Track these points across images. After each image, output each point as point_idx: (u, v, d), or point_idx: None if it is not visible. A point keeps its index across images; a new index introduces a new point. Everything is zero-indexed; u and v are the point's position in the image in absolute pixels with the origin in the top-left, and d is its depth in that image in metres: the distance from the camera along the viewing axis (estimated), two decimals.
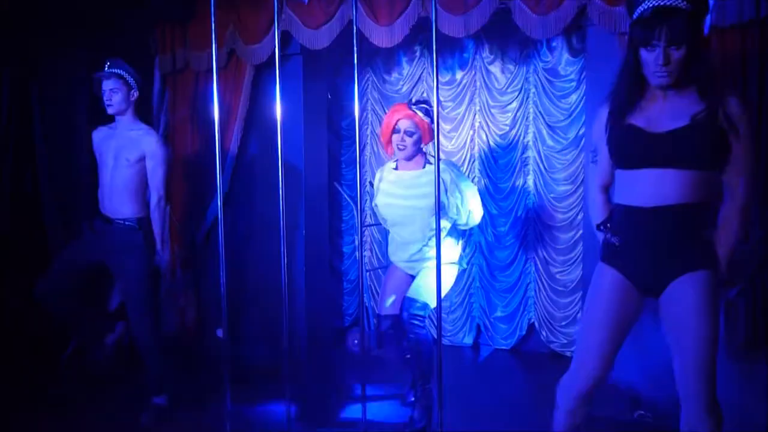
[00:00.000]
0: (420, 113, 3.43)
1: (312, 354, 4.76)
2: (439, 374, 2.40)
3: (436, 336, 2.51)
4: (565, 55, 4.62)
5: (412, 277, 3.57)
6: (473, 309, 5.14)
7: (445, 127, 5.04)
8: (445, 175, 3.39)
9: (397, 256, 3.60)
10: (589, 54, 3.83)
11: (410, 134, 3.40)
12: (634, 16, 2.23)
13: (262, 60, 4.51)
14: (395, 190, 3.49)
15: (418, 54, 5.10)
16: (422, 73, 5.10)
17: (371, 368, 4.47)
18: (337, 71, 5.26)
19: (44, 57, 4.56)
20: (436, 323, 2.39)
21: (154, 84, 5.07)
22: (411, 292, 3.44)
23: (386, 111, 5.16)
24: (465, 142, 5.02)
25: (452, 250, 3.54)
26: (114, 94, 3.61)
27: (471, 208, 3.49)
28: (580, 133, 4.48)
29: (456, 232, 3.60)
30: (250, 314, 4.82)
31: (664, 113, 2.24)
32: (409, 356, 3.46)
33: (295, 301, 4.65)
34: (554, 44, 4.65)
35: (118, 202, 3.64)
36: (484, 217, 4.93)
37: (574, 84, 4.59)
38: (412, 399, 3.60)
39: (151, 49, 5.03)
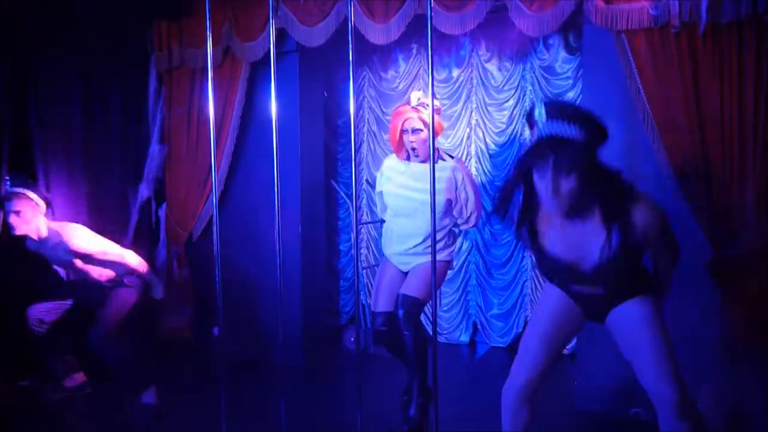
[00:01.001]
0: (423, 110, 3.41)
1: (308, 352, 4.76)
2: (434, 372, 2.39)
3: (431, 333, 2.51)
4: (562, 53, 4.62)
5: (405, 274, 3.56)
6: (470, 306, 5.15)
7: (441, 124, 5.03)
8: (458, 175, 3.41)
9: (392, 248, 3.56)
10: (586, 52, 3.83)
11: (418, 131, 3.38)
12: (531, 139, 2.21)
13: (257, 57, 4.49)
14: (406, 181, 3.46)
15: (414, 51, 5.09)
16: (419, 70, 5.09)
17: (368, 366, 4.46)
18: (333, 69, 5.24)
19: (40, 53, 4.54)
20: (431, 320, 2.38)
21: (150, 82, 5.06)
22: (404, 289, 3.43)
23: (382, 109, 5.18)
24: (462, 140, 5.02)
25: (447, 249, 3.53)
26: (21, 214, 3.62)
27: (474, 208, 3.49)
28: None
29: (453, 231, 3.59)
30: (246, 312, 4.81)
31: (566, 242, 2.28)
32: (406, 352, 3.45)
33: (291, 299, 4.64)
34: (551, 42, 4.64)
35: None
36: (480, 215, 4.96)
37: (570, 82, 4.59)
38: (406, 398, 3.60)
39: (147, 47, 5.02)
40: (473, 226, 3.58)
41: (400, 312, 3.38)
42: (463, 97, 5.00)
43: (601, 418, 3.69)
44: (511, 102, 4.85)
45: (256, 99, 4.71)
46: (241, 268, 4.78)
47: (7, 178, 3.62)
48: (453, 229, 3.58)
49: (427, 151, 3.42)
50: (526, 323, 4.93)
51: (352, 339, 5.02)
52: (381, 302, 3.57)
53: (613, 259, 2.20)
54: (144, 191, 5.00)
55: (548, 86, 4.68)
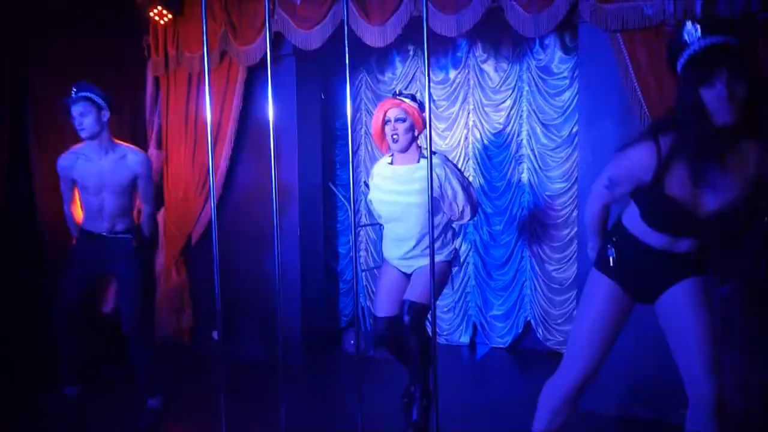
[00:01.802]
0: (407, 100, 3.40)
1: (308, 355, 4.76)
2: (434, 373, 2.39)
3: (431, 335, 2.51)
4: (558, 53, 4.63)
5: (407, 276, 3.56)
6: (469, 307, 5.15)
7: (439, 125, 5.05)
8: (440, 171, 3.36)
9: (392, 253, 3.57)
10: (582, 51, 3.84)
11: (401, 120, 3.35)
12: (685, 57, 2.08)
13: (254, 61, 4.50)
14: (390, 186, 3.45)
15: (411, 53, 5.10)
16: (416, 72, 5.10)
17: (368, 368, 4.47)
18: (330, 72, 5.25)
19: (36, 58, 4.54)
20: (431, 321, 2.39)
21: (147, 86, 5.07)
22: (409, 295, 3.42)
23: None
24: (459, 141, 5.02)
25: (446, 247, 3.52)
26: (84, 117, 3.55)
27: (465, 203, 3.45)
28: (574, 130, 4.49)
29: (450, 228, 3.59)
30: (245, 316, 4.81)
31: (719, 181, 2.11)
32: (411, 357, 3.44)
33: (290, 303, 4.65)
34: (547, 42, 4.65)
35: (110, 222, 3.70)
36: (479, 215, 4.96)
37: (567, 82, 4.60)
38: (406, 400, 3.60)
39: (144, 51, 5.02)
40: (469, 220, 3.55)
41: (406, 318, 3.36)
42: (460, 98, 5.01)
43: (605, 418, 3.69)
44: (508, 102, 4.85)
45: (254, 103, 4.72)
46: (240, 272, 4.78)
47: (74, 88, 3.58)
48: (450, 226, 3.57)
49: (407, 143, 3.39)
50: (525, 324, 4.94)
51: (352, 342, 5.01)
52: (383, 307, 3.55)
53: (737, 200, 2.12)
54: None
55: (545, 86, 4.69)
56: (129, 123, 5.06)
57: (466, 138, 5.01)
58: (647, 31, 3.39)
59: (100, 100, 3.60)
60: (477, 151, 4.98)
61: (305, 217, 4.77)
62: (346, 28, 2.31)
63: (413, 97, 3.43)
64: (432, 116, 4.98)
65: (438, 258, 3.43)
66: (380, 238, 3.74)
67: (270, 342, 4.62)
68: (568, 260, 4.67)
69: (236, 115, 4.69)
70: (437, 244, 3.46)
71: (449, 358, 4.83)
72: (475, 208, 3.50)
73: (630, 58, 3.45)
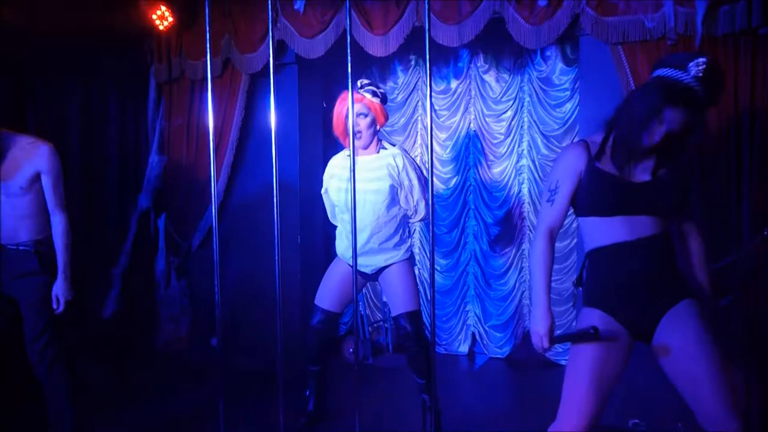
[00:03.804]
0: (368, 95, 3.38)
1: (308, 362, 4.75)
2: (434, 383, 2.40)
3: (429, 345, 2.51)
4: (559, 65, 4.65)
5: (361, 275, 3.50)
6: (468, 317, 5.15)
7: (440, 135, 5.06)
8: (399, 160, 3.35)
9: (346, 247, 3.49)
10: (583, 63, 3.85)
11: (364, 115, 3.35)
12: (678, 77, 2.12)
13: (257, 69, 4.52)
14: (346, 174, 3.40)
15: (413, 63, 5.12)
16: (417, 81, 5.12)
17: (366, 376, 4.47)
18: (332, 80, 5.27)
19: (39, 64, 4.56)
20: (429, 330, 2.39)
21: (150, 93, 5.09)
22: (397, 309, 3.42)
23: None
24: (460, 151, 5.04)
25: (403, 244, 3.47)
26: None
27: (419, 198, 3.42)
28: (575, 141, 4.49)
29: (407, 226, 3.54)
30: (244, 323, 4.81)
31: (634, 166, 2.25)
32: (424, 365, 3.43)
33: (290, 310, 4.65)
34: (548, 53, 4.67)
35: (11, 228, 3.04)
36: (479, 225, 4.97)
37: (568, 93, 4.62)
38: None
39: (147, 58, 5.05)
40: (422, 219, 3.50)
41: (409, 328, 3.38)
42: (462, 108, 5.02)
43: (599, 429, 3.68)
44: (509, 113, 4.87)
45: (256, 110, 4.74)
46: (240, 279, 4.78)
47: None
48: (407, 223, 3.53)
49: (370, 138, 3.39)
50: (524, 334, 4.93)
51: (351, 350, 5.01)
52: (326, 300, 3.55)
53: (667, 180, 2.23)
54: (143, 202, 5.02)
55: (546, 97, 4.71)
56: (132, 129, 5.07)
57: (467, 147, 5.03)
58: (648, 44, 3.41)
59: None
60: (477, 161, 4.99)
61: (306, 225, 4.78)
62: (348, 37, 2.33)
63: (374, 92, 3.41)
64: (433, 126, 5.00)
65: (397, 257, 3.44)
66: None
67: (269, 349, 4.62)
68: (568, 271, 4.67)
69: (238, 123, 4.71)
70: (394, 241, 3.42)
71: (448, 368, 4.82)
72: (428, 207, 3.45)
73: (631, 71, 3.48)
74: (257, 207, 4.73)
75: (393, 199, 3.39)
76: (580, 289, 2.43)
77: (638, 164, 2.24)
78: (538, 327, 2.32)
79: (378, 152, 3.44)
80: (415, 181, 3.39)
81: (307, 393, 3.69)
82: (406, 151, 3.51)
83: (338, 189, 3.46)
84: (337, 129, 3.46)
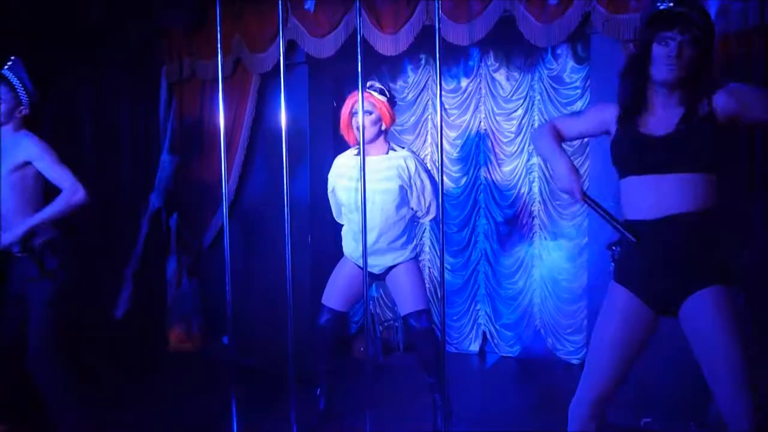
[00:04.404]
0: (375, 93, 3.41)
1: (318, 361, 4.75)
2: (444, 382, 2.41)
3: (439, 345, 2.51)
4: (570, 63, 4.63)
5: (370, 276, 3.49)
6: (479, 316, 5.14)
7: (450, 134, 5.06)
8: (410, 163, 3.37)
9: (353, 248, 3.52)
10: (594, 61, 3.84)
11: (368, 113, 3.36)
12: (649, 15, 2.24)
13: (267, 69, 4.53)
14: (355, 174, 3.40)
15: (423, 62, 5.11)
16: (427, 80, 5.12)
17: (378, 375, 4.47)
18: (342, 80, 5.27)
19: (50, 65, 4.59)
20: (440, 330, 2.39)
21: (161, 93, 5.11)
22: (407, 308, 3.43)
23: None
24: (470, 149, 5.03)
25: (410, 244, 3.49)
26: None
27: (432, 198, 3.44)
28: (585, 140, 4.48)
29: (414, 226, 3.56)
30: (256, 322, 4.82)
31: (659, 120, 2.24)
32: (434, 362, 3.44)
33: (301, 309, 4.64)
34: (559, 52, 4.66)
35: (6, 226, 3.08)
36: (489, 224, 4.97)
37: (579, 91, 4.60)
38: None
39: (158, 59, 5.07)
40: (433, 218, 3.53)
41: (419, 327, 3.39)
42: (472, 107, 5.02)
43: (610, 427, 3.67)
44: (520, 111, 4.86)
45: (266, 110, 4.74)
46: (251, 278, 4.80)
47: (10, 60, 3.16)
48: (414, 224, 3.55)
49: (372, 135, 3.39)
50: (535, 333, 4.93)
51: (362, 348, 5.02)
52: (333, 298, 3.59)
53: (692, 129, 2.17)
54: (155, 201, 5.04)
55: (557, 96, 4.69)
56: (143, 129, 5.09)
57: (477, 146, 5.02)
58: None
59: (23, 94, 3.15)
60: (488, 160, 4.98)
61: (316, 224, 4.78)
62: (359, 36, 2.34)
63: (382, 91, 3.44)
64: (443, 125, 5.00)
65: (404, 256, 3.45)
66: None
67: (280, 347, 4.63)
68: (579, 270, 4.66)
69: (249, 122, 4.72)
70: (402, 240, 3.44)
71: (459, 367, 4.82)
72: (433, 211, 3.49)
73: None
74: (268, 206, 4.74)
75: (402, 199, 3.41)
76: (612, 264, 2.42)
77: (661, 117, 2.23)
78: (566, 179, 2.37)
79: (387, 153, 3.45)
80: (427, 182, 3.41)
81: (318, 392, 3.70)
82: (416, 153, 3.53)
83: (346, 188, 3.47)
84: (342, 126, 3.50)
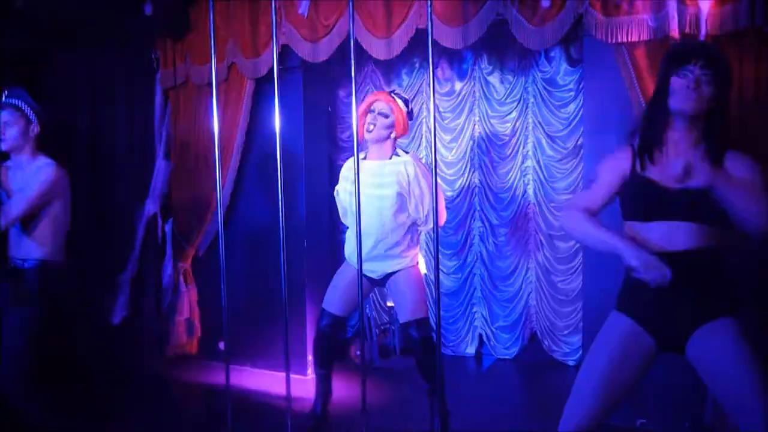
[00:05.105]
0: (399, 100, 3.41)
1: (315, 365, 4.76)
2: (441, 384, 2.40)
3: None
4: (564, 65, 4.65)
5: (368, 281, 3.50)
6: (475, 319, 5.15)
7: (444, 137, 5.07)
8: (410, 169, 3.35)
9: (353, 251, 3.51)
10: (587, 64, 3.85)
11: (384, 116, 3.37)
12: (669, 51, 2.27)
13: (262, 74, 4.53)
14: (360, 178, 3.43)
15: (417, 65, 5.13)
16: (422, 84, 5.13)
17: (373, 379, 4.47)
18: (336, 84, 5.29)
19: (45, 72, 4.59)
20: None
21: (156, 98, 5.11)
22: (406, 315, 3.42)
23: None
24: (465, 153, 5.04)
25: (411, 250, 3.48)
26: (8, 127, 3.16)
27: (430, 208, 3.40)
28: (579, 142, 4.50)
29: (415, 233, 3.53)
30: (252, 326, 4.82)
31: (673, 166, 2.12)
32: (431, 370, 3.42)
33: (297, 313, 4.65)
34: (552, 54, 4.68)
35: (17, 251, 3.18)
36: (485, 226, 4.97)
37: (572, 94, 4.62)
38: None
39: (153, 64, 5.07)
40: (430, 228, 3.47)
41: (416, 335, 3.38)
42: (466, 110, 5.03)
43: (605, 428, 3.67)
44: (514, 114, 4.87)
45: (261, 114, 4.75)
46: (247, 282, 4.80)
47: (5, 92, 3.21)
48: (415, 230, 3.52)
49: (380, 137, 3.40)
50: (531, 335, 4.94)
51: (358, 352, 5.02)
52: (334, 304, 3.55)
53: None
54: (150, 207, 5.04)
55: (550, 98, 4.71)
56: (138, 134, 5.09)
57: (472, 149, 5.03)
58: (652, 44, 3.40)
59: (30, 112, 3.22)
60: (483, 163, 4.99)
61: (311, 229, 4.79)
62: (352, 40, 2.34)
63: (406, 102, 3.45)
64: (438, 127, 5.01)
65: (404, 264, 3.44)
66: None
67: (277, 352, 4.63)
68: (574, 272, 4.67)
69: (243, 127, 4.72)
70: (401, 248, 3.43)
71: (455, 369, 4.83)
72: (440, 217, 3.43)
73: (635, 71, 3.47)
74: (263, 211, 4.75)
75: (401, 206, 3.39)
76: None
77: (675, 162, 2.13)
78: (649, 263, 2.09)
79: (390, 158, 3.44)
80: (426, 190, 3.38)
81: (315, 395, 3.70)
82: (419, 159, 3.51)
83: (347, 192, 3.48)
84: (359, 126, 3.45)
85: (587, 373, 2.26)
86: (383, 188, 3.36)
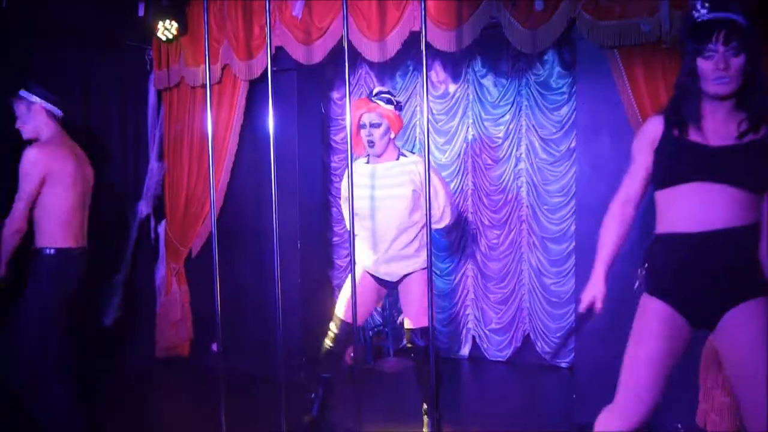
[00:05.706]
0: (381, 103, 3.37)
1: (308, 366, 4.76)
2: (436, 386, 2.41)
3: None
4: (557, 69, 4.67)
5: (382, 284, 3.51)
6: (468, 321, 5.16)
7: (438, 139, 5.08)
8: (421, 168, 3.34)
9: (367, 258, 3.49)
10: (580, 67, 3.87)
11: (376, 126, 3.35)
12: (689, 28, 2.16)
13: (255, 75, 4.54)
14: (366, 181, 3.41)
15: (411, 68, 5.14)
16: (415, 86, 5.14)
17: (366, 380, 4.47)
18: (330, 86, 5.30)
19: (39, 72, 4.57)
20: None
21: (149, 100, 5.11)
22: (415, 321, 3.41)
23: None
24: (458, 155, 5.06)
25: (424, 249, 3.43)
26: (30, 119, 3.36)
27: (446, 203, 3.43)
28: (572, 145, 4.52)
29: (423, 234, 3.50)
30: (245, 328, 4.82)
31: (715, 131, 2.14)
32: (428, 377, 3.42)
33: (290, 315, 4.65)
34: (546, 58, 4.70)
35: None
36: (477, 229, 4.99)
37: (565, 97, 4.64)
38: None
39: (147, 65, 5.07)
40: (447, 224, 3.51)
41: (422, 344, 3.37)
42: (460, 112, 5.04)
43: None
44: (507, 117, 4.89)
45: (255, 116, 4.75)
46: (241, 284, 4.79)
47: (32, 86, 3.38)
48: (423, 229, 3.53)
49: (383, 148, 3.40)
50: (524, 337, 4.94)
51: (351, 354, 5.02)
52: (348, 312, 3.49)
53: (751, 145, 2.09)
54: (143, 208, 5.03)
55: (543, 101, 4.73)
56: (131, 136, 5.08)
57: (465, 152, 5.05)
58: (644, 48, 3.43)
59: (47, 102, 3.40)
60: (476, 165, 5.01)
61: (305, 230, 4.79)
62: (346, 43, 2.35)
63: (389, 100, 3.40)
64: (431, 130, 5.02)
65: (416, 265, 3.42)
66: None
67: (270, 354, 4.63)
68: (566, 274, 4.69)
69: (237, 129, 4.72)
70: (414, 246, 3.42)
71: (448, 372, 4.83)
72: (454, 211, 3.48)
73: (627, 74, 3.49)
74: (256, 212, 4.75)
75: (415, 204, 3.39)
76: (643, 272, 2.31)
77: (713, 127, 2.13)
78: (593, 290, 2.35)
79: (398, 158, 3.44)
80: (439, 186, 3.40)
81: (313, 396, 3.68)
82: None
83: (359, 196, 3.43)
84: (352, 136, 3.45)
85: (634, 364, 2.22)
86: (398, 188, 3.35)
